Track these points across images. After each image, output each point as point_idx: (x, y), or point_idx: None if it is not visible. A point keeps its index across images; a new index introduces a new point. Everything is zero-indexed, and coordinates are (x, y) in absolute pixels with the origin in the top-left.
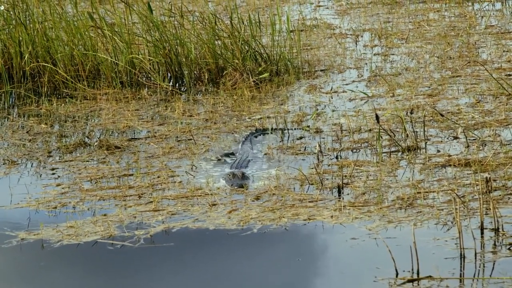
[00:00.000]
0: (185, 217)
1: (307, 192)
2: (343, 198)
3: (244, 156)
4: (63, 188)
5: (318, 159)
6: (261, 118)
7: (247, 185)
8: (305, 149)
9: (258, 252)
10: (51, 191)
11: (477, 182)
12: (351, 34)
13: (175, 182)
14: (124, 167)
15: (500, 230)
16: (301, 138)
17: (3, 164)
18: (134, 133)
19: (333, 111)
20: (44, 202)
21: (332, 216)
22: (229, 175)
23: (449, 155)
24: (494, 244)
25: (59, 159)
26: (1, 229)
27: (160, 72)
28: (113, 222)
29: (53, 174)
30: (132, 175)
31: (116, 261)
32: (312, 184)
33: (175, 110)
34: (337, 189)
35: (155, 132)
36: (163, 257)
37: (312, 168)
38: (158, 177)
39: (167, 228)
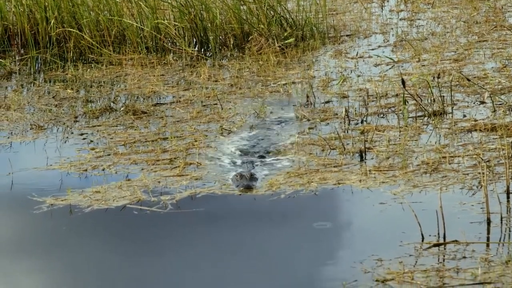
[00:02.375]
0: (209, 182)
1: (330, 156)
2: (366, 163)
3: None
4: (97, 152)
5: (345, 123)
6: (286, 83)
7: (255, 186)
8: (336, 114)
9: (287, 216)
10: (86, 155)
11: (503, 147)
12: None
13: (209, 147)
14: (154, 131)
15: None
16: (328, 102)
17: (31, 129)
18: (160, 98)
19: (358, 76)
20: (76, 165)
21: (360, 181)
22: (237, 176)
23: (475, 120)
24: None
25: (86, 124)
26: (30, 194)
27: (186, 38)
28: (138, 187)
29: (84, 139)
30: (166, 138)
31: (145, 226)
32: (333, 149)
33: (201, 75)
34: (359, 154)
35: (180, 97)
36: (191, 222)
37: (335, 133)
38: (195, 140)
39: (194, 194)
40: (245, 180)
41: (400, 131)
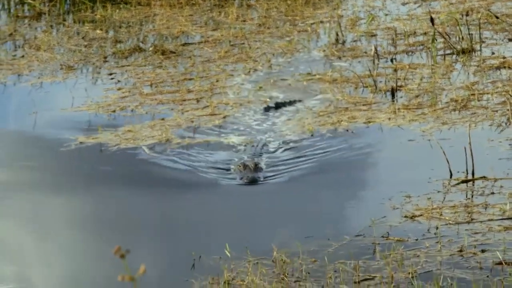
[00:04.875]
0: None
1: (361, 95)
2: (397, 101)
3: (259, 142)
4: (123, 92)
5: (374, 62)
6: (314, 23)
7: (260, 178)
8: (365, 52)
9: (316, 155)
10: (112, 95)
11: None
12: None
13: (233, 86)
14: (182, 71)
15: None
16: (356, 41)
17: (61, 69)
18: (188, 38)
19: (386, 15)
20: (104, 106)
21: (389, 119)
22: (240, 166)
23: (504, 57)
24: None
25: (115, 64)
26: (60, 133)
27: None
28: (170, 127)
29: (112, 79)
30: (191, 79)
31: (173, 164)
32: (366, 87)
33: (229, 15)
34: (390, 92)
35: (208, 37)
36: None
37: (368, 71)
38: (217, 81)
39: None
40: (249, 171)
41: (432, 69)
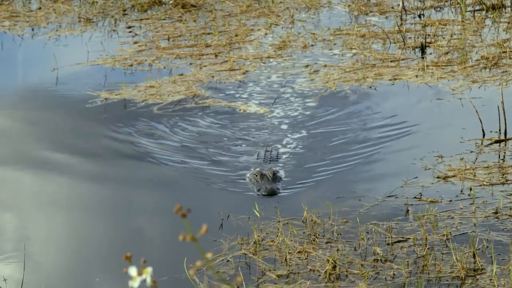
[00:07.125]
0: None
1: (389, 51)
2: (426, 58)
3: (272, 148)
4: (139, 46)
5: (401, 17)
6: None
7: (279, 190)
8: (392, 8)
9: (340, 113)
10: (128, 48)
11: None
12: None
13: (253, 40)
14: (201, 25)
15: None
16: None
17: (79, 22)
18: None
19: None
20: (120, 60)
21: (417, 76)
22: (256, 175)
23: None
24: None
25: (135, 17)
26: (82, 89)
27: None
28: (193, 82)
29: (130, 32)
30: (210, 33)
31: (201, 119)
32: (394, 43)
33: None
34: (419, 48)
35: None
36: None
37: (396, 26)
38: (236, 35)
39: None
40: (267, 182)
41: (462, 26)
